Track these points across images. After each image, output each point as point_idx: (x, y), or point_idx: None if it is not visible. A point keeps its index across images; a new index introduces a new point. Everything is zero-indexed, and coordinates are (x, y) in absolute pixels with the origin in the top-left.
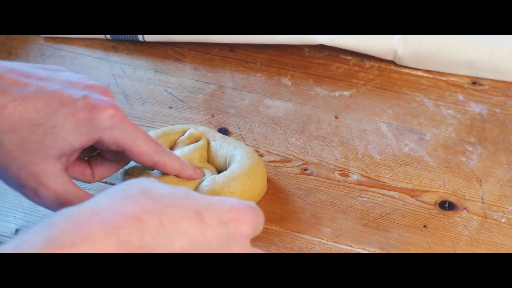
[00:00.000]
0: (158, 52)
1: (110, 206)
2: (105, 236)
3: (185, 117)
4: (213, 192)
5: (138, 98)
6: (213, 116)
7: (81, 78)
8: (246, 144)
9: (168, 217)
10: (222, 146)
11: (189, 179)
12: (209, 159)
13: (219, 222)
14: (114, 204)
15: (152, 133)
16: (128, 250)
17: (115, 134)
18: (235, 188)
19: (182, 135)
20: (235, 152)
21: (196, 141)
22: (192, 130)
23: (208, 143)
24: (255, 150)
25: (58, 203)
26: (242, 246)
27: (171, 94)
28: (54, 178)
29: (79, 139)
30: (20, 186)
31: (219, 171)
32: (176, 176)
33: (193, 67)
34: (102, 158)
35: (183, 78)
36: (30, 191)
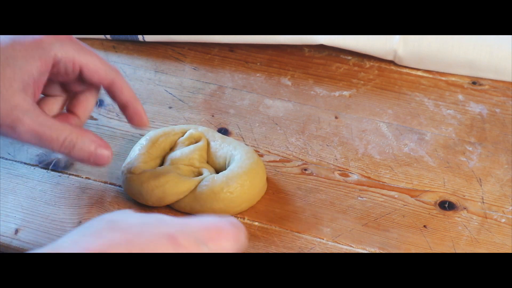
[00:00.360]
0: (158, 52)
1: (72, 244)
2: None
3: (185, 117)
4: (212, 192)
5: (138, 98)
6: (213, 116)
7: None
8: (246, 144)
9: (138, 247)
10: (222, 146)
11: (139, 115)
12: (209, 160)
13: (197, 243)
14: (77, 242)
15: (152, 133)
16: None
17: (68, 51)
18: (234, 187)
19: (182, 136)
20: (234, 152)
21: (196, 142)
22: (192, 130)
23: (208, 144)
24: (255, 150)
25: (36, 137)
26: None
27: (171, 94)
28: (27, 112)
29: (34, 65)
30: None
31: (218, 171)
32: (126, 107)
33: (193, 67)
34: (76, 98)
35: (183, 78)
36: (7, 129)
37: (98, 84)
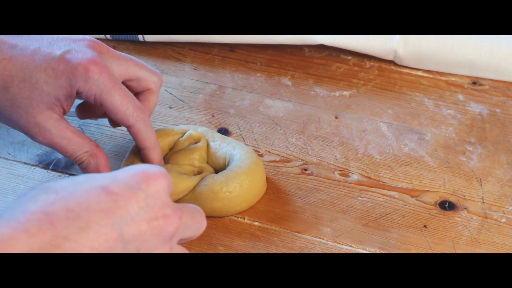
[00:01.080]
0: (158, 52)
1: (10, 211)
2: (13, 233)
3: (185, 117)
4: (212, 191)
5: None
6: (213, 116)
7: (75, 35)
8: (245, 144)
9: (73, 201)
10: (222, 147)
11: (150, 163)
12: (209, 160)
13: (130, 188)
14: (14, 208)
15: None
16: (42, 243)
17: (91, 87)
18: (233, 187)
19: (182, 136)
20: (234, 152)
21: (196, 143)
22: (191, 131)
23: (208, 144)
24: (255, 150)
25: (53, 147)
26: (162, 201)
27: (171, 94)
28: (50, 129)
29: (60, 92)
30: (23, 132)
31: (218, 172)
32: (142, 150)
33: (193, 67)
34: (137, 97)
35: (183, 78)
36: (31, 136)
37: (117, 122)
